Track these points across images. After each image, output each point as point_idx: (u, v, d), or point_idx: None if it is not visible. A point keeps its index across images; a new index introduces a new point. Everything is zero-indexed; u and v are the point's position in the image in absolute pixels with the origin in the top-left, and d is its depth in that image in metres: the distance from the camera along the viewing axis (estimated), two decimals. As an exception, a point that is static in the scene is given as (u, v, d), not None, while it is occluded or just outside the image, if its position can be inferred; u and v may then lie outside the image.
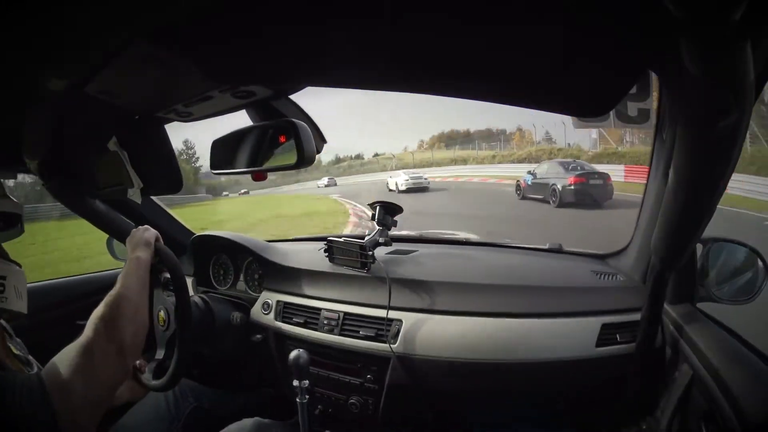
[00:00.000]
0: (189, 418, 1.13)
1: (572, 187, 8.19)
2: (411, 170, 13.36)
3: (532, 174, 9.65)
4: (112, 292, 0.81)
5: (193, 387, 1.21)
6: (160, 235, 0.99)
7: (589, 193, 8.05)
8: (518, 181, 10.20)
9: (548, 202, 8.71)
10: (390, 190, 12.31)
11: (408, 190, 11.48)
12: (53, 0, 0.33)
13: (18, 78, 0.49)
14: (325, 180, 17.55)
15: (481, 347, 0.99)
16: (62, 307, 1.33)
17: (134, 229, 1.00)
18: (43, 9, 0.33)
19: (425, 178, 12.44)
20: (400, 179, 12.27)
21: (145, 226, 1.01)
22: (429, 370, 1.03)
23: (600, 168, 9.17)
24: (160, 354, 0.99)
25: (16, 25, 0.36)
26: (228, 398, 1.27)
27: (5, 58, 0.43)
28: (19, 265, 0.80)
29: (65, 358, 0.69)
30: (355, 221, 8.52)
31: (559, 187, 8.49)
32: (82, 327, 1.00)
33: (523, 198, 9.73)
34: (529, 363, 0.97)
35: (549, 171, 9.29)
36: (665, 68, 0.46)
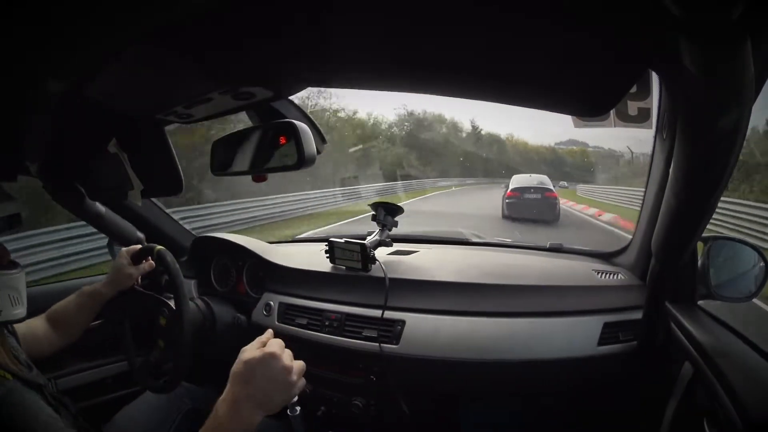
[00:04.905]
0: (184, 420, 1.11)
1: (507, 200, 8.10)
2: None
3: (505, 186, 9.03)
4: None
5: (189, 389, 1.20)
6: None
7: (523, 208, 7.72)
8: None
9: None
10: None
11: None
12: (51, 0, 0.33)
13: (16, 80, 0.49)
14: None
15: (484, 347, 0.99)
16: None
17: (251, 359, 0.69)
18: (41, 9, 0.33)
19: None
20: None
21: (286, 354, 0.72)
22: (432, 371, 1.03)
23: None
24: (160, 356, 0.99)
25: (15, 25, 0.35)
26: None
27: (3, 59, 0.43)
28: (19, 265, 0.76)
29: None
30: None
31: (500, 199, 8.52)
32: (87, 332, 1.01)
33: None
34: (531, 362, 0.97)
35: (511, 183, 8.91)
36: (665, 68, 0.46)
